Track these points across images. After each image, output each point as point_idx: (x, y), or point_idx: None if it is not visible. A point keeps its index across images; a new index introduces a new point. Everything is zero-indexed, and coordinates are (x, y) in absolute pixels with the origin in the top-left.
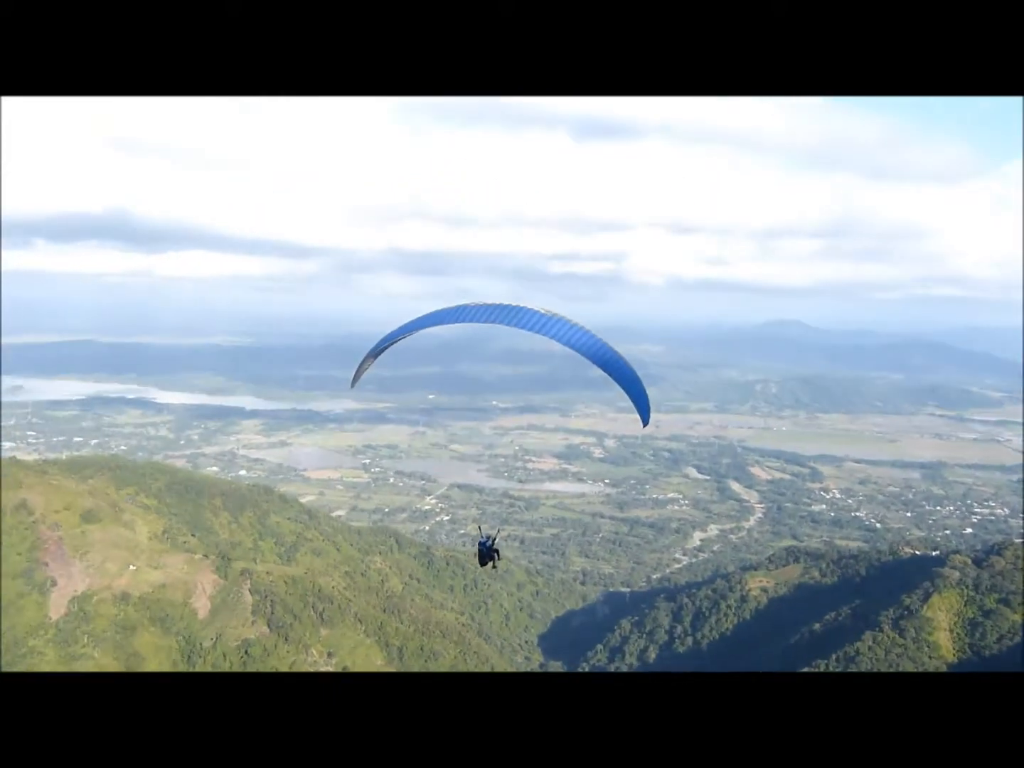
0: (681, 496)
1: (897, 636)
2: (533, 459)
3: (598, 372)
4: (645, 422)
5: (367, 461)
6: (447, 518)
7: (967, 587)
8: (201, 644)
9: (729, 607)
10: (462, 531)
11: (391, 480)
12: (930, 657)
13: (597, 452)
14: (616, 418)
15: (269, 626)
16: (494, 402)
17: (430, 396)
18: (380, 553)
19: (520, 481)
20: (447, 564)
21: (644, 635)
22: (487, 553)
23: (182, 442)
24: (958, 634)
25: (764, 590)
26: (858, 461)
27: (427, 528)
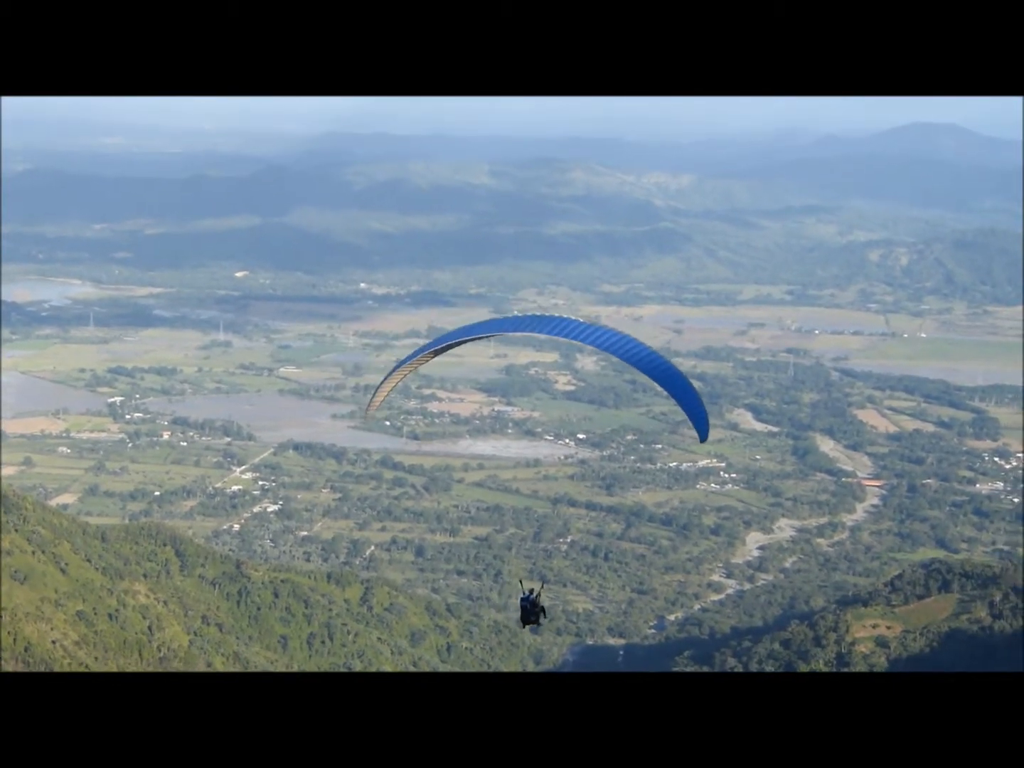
0: (724, 465)
1: None
2: (441, 394)
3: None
4: (703, 438)
5: (118, 400)
6: (275, 507)
7: None
8: None
9: (816, 674)
10: (304, 533)
11: (165, 436)
12: None
13: (562, 380)
14: (599, 313)
15: None
16: (363, 285)
17: (239, 274)
18: (146, 576)
19: (415, 437)
20: (276, 596)
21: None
22: (530, 611)
23: None
24: None
25: (882, 643)
26: None
27: (236, 527)
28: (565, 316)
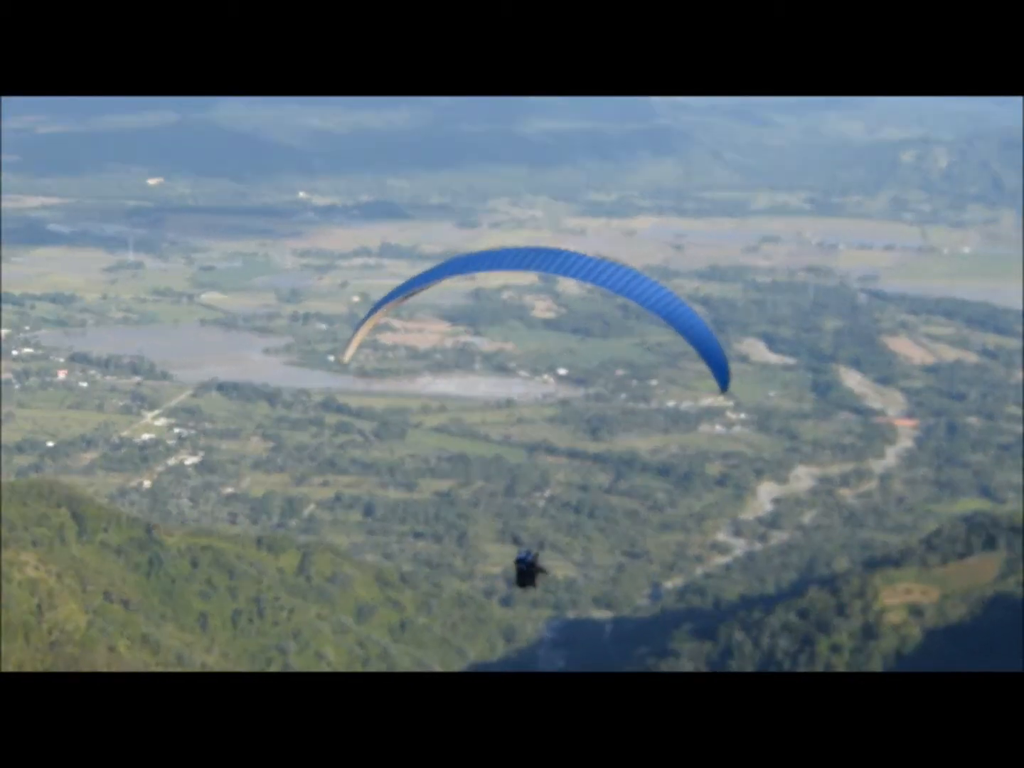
0: (731, 404)
1: None
2: (396, 323)
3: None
4: (723, 387)
5: (3, 332)
6: (194, 460)
7: None
8: None
9: (839, 652)
10: (229, 490)
11: (60, 376)
12: None
13: (541, 306)
14: (585, 226)
15: None
16: (303, 194)
17: (152, 181)
18: (36, 544)
19: (364, 374)
20: (194, 566)
21: None
22: (528, 572)
23: None
24: None
25: (916, 611)
26: None
27: (147, 484)
28: (566, 250)
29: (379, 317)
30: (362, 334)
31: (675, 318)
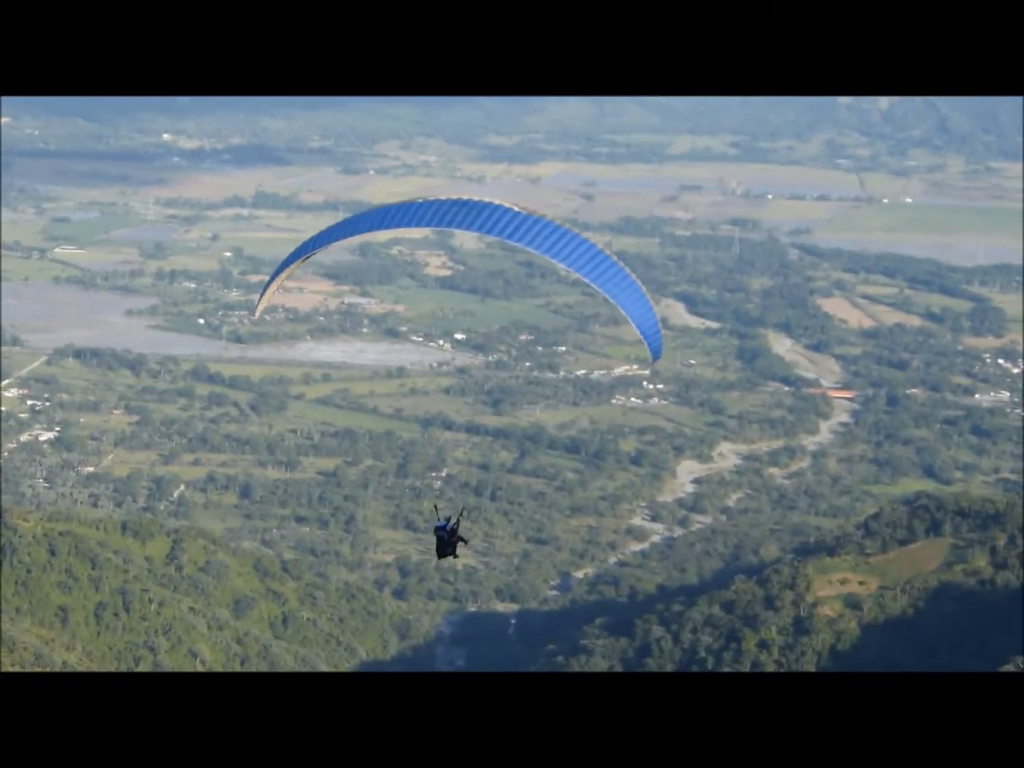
0: (647, 373)
1: None
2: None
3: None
4: (655, 355)
5: None
6: (49, 435)
7: None
8: None
9: (768, 649)
10: (90, 469)
11: None
12: None
13: (435, 263)
14: (483, 172)
15: None
16: (167, 136)
17: None
18: None
19: (238, 339)
20: (52, 555)
21: None
22: (448, 541)
23: None
24: None
25: (852, 604)
26: None
27: None
28: (493, 201)
29: (286, 276)
30: (272, 290)
31: (605, 279)
